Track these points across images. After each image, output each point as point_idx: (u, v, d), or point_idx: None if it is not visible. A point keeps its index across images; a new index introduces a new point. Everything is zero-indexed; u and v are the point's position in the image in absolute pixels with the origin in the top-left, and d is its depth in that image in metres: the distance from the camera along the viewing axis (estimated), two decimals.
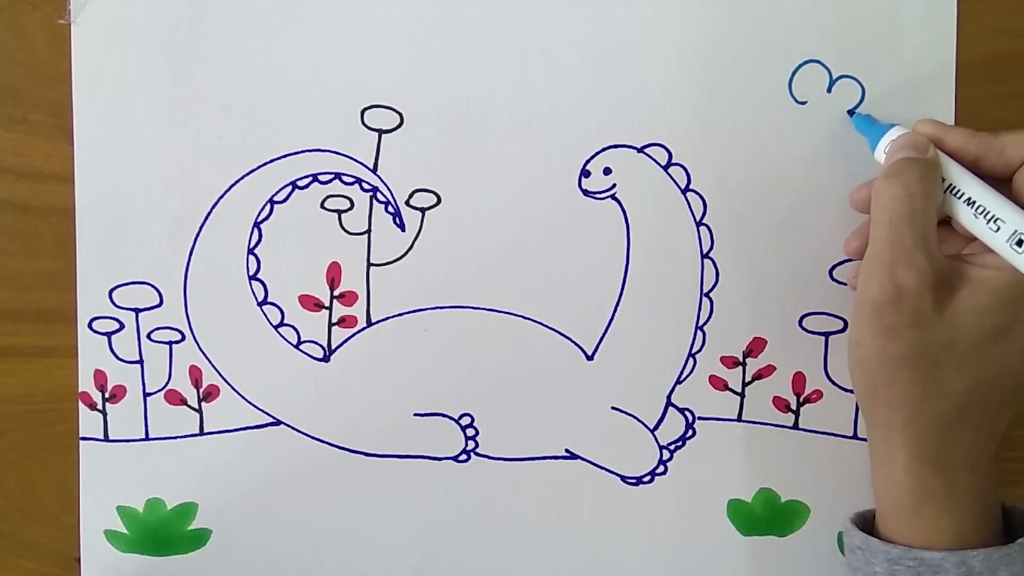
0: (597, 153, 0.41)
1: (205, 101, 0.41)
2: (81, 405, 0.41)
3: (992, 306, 0.34)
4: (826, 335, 0.42)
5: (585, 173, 0.41)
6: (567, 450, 0.42)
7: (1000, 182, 0.36)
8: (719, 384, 0.42)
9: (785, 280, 0.42)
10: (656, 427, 0.42)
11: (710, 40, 0.41)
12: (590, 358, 0.42)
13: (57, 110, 0.40)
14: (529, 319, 0.42)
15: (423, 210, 0.41)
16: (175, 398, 0.42)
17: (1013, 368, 0.35)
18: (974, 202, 0.35)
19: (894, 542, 0.36)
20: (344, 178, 0.41)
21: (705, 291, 0.42)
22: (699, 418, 0.42)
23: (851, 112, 0.40)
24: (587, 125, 0.41)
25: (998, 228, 0.34)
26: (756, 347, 0.42)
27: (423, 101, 0.41)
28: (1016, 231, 0.34)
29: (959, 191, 0.36)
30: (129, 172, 0.41)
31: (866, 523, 0.38)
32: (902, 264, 0.33)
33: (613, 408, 0.42)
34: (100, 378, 0.41)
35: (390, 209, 0.41)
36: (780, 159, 0.41)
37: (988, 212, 0.35)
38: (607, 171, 0.41)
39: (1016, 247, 0.34)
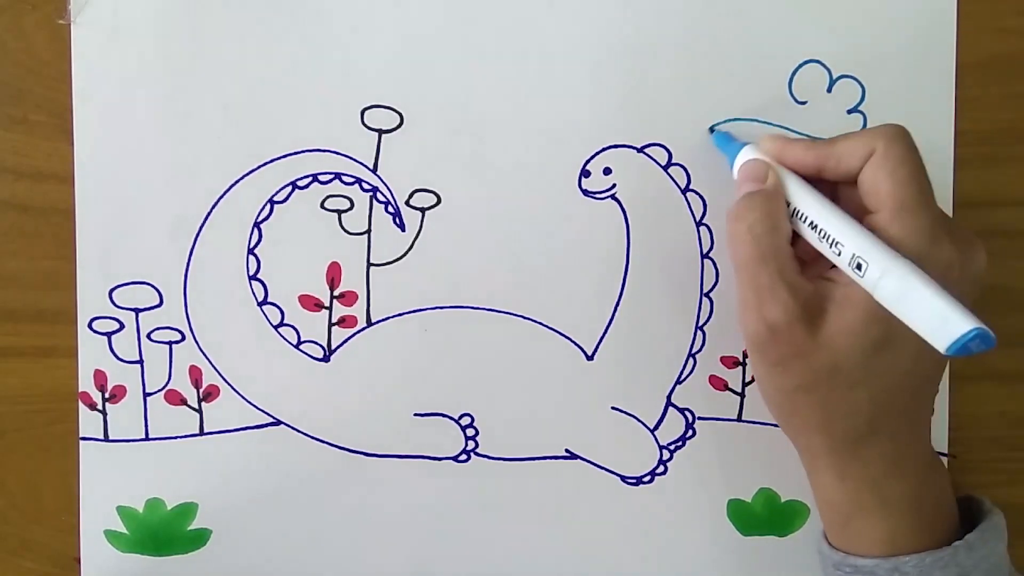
0: (597, 153, 0.41)
1: (205, 101, 0.41)
2: (81, 405, 0.41)
3: (864, 321, 0.33)
4: None
5: (585, 173, 0.41)
6: (567, 450, 0.42)
7: (850, 186, 0.35)
8: (719, 384, 0.42)
9: None
10: (656, 427, 0.42)
11: (710, 40, 0.41)
12: (590, 358, 0.42)
13: (57, 110, 0.40)
14: (529, 319, 0.42)
15: (423, 210, 0.41)
16: (175, 398, 0.42)
17: (907, 370, 0.34)
18: (815, 225, 0.34)
19: (837, 548, 0.37)
20: (344, 178, 0.41)
21: (705, 291, 0.42)
22: (699, 418, 0.42)
23: (711, 129, 0.40)
24: (587, 125, 0.41)
25: (839, 251, 0.33)
26: None
27: (423, 101, 0.41)
28: (854, 255, 0.33)
29: (802, 214, 0.35)
30: (129, 172, 0.41)
31: None
32: (767, 303, 0.34)
33: (613, 408, 0.42)
34: (100, 378, 0.41)
35: (390, 209, 0.41)
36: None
37: (828, 235, 0.34)
38: (607, 171, 0.41)
39: (856, 270, 0.33)
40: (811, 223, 0.35)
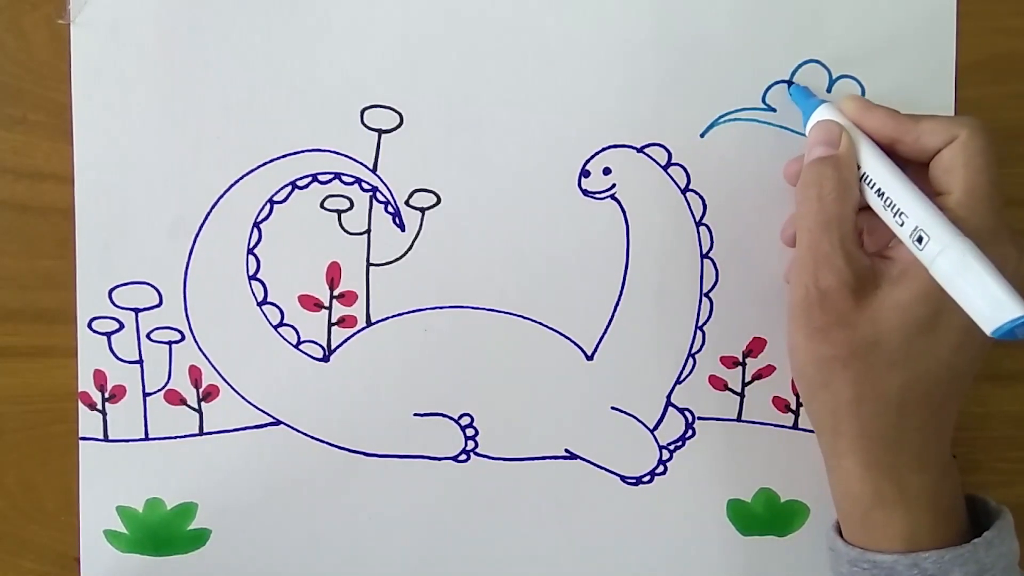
0: (597, 153, 0.41)
1: (205, 101, 0.41)
2: (81, 405, 0.41)
3: (913, 299, 0.34)
4: None
5: (585, 173, 0.41)
6: (567, 450, 0.42)
7: (919, 167, 0.36)
8: (719, 384, 0.42)
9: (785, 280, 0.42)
10: (656, 427, 0.42)
11: (710, 40, 0.41)
12: (590, 358, 0.42)
13: (57, 110, 0.40)
14: (529, 319, 0.42)
15: (423, 210, 0.41)
16: (175, 398, 0.41)
17: (945, 360, 0.34)
18: (883, 193, 0.35)
19: (854, 544, 0.36)
20: (344, 178, 0.41)
21: (705, 291, 0.42)
22: (699, 418, 0.42)
23: (789, 82, 0.40)
24: (587, 125, 0.41)
25: (902, 223, 0.34)
26: (756, 347, 0.42)
27: (423, 101, 0.41)
28: (917, 227, 0.33)
29: (871, 180, 0.35)
30: (129, 172, 0.41)
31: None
32: (823, 268, 0.34)
33: (613, 408, 0.42)
34: (100, 378, 0.41)
35: (390, 209, 0.41)
36: (780, 159, 0.41)
37: (894, 204, 0.34)
38: (607, 171, 0.41)
39: (917, 243, 0.33)
40: (879, 190, 0.35)
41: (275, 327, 0.41)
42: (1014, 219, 0.42)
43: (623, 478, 0.42)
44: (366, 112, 0.41)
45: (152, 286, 0.41)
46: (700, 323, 0.42)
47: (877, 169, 0.35)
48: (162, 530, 0.42)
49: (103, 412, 0.41)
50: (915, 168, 0.36)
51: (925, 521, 0.35)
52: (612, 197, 0.41)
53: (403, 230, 0.41)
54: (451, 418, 0.42)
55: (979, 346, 0.35)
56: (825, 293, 0.34)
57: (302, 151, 0.41)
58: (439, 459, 0.42)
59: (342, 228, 0.41)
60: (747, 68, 0.41)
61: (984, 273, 0.31)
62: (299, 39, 0.41)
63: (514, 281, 0.41)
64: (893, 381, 0.34)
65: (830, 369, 0.35)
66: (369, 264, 0.41)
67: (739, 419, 0.42)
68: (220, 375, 0.41)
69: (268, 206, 0.41)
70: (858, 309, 0.34)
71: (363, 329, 0.42)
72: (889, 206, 0.34)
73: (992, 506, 0.37)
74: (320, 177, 0.41)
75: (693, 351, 0.42)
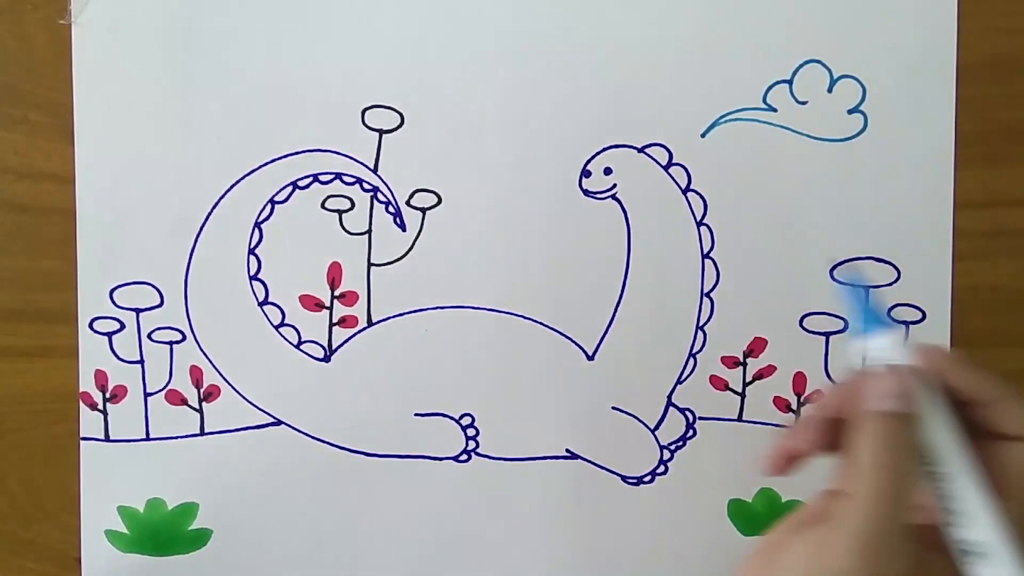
0: (597, 153, 0.41)
1: (205, 101, 0.41)
2: (82, 405, 0.41)
3: None
4: (827, 335, 0.42)
5: (585, 173, 0.41)
6: (567, 450, 0.42)
7: (988, 440, 0.29)
8: (720, 384, 0.42)
9: (785, 280, 0.42)
10: (657, 427, 0.42)
11: (711, 40, 0.41)
12: (590, 358, 0.42)
13: (58, 110, 0.40)
14: (529, 319, 0.42)
15: (423, 210, 0.41)
16: (176, 398, 0.42)
17: None
18: (941, 479, 0.27)
19: None
20: (345, 178, 0.41)
21: (705, 291, 0.42)
22: (700, 418, 0.42)
23: (832, 272, 0.33)
24: (587, 125, 0.41)
25: (954, 519, 0.27)
26: (757, 347, 0.42)
27: (423, 101, 0.41)
28: (979, 539, 0.26)
29: (930, 458, 0.28)
30: (129, 172, 0.41)
31: None
32: (883, 551, 0.26)
33: (613, 408, 0.42)
34: (101, 378, 0.41)
35: (391, 209, 0.41)
36: (781, 159, 0.41)
37: (953, 499, 0.27)
38: (607, 171, 0.41)
39: (964, 556, 0.27)
40: (936, 473, 0.28)
41: (276, 327, 0.41)
42: (1015, 219, 0.42)
43: (624, 478, 0.42)
44: (367, 112, 0.41)
45: (153, 286, 0.41)
46: (701, 323, 0.42)
47: (945, 448, 0.27)
48: (163, 530, 0.42)
49: (104, 412, 0.41)
50: (981, 443, 0.29)
51: None
52: (613, 197, 0.41)
53: (404, 230, 0.41)
54: (452, 418, 0.42)
55: None
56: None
57: (303, 151, 0.41)
58: (439, 459, 0.42)
59: (343, 228, 0.41)
60: (747, 68, 0.41)
61: None
62: (300, 39, 0.41)
63: (515, 281, 0.41)
64: None
65: None
66: (370, 264, 0.41)
67: (740, 419, 0.42)
68: (221, 375, 0.41)
69: (269, 206, 0.41)
70: None
71: (364, 329, 0.42)
72: (944, 497, 0.27)
73: None
74: (321, 177, 0.41)
75: (694, 351, 0.42)
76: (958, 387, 0.28)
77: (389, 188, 0.41)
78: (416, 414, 0.42)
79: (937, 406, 0.28)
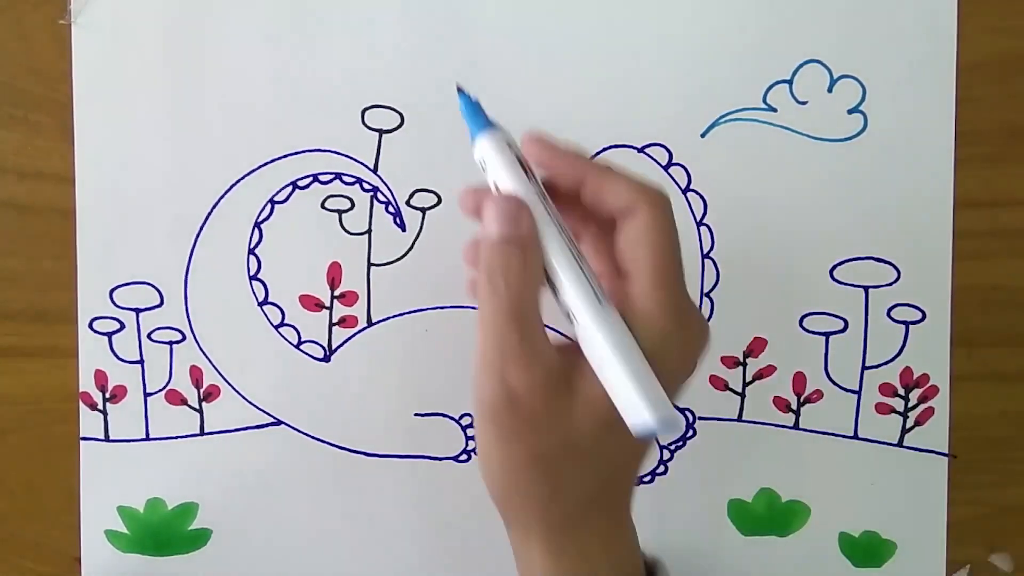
0: (598, 153, 0.41)
1: (206, 101, 0.41)
2: (82, 405, 0.41)
3: (603, 394, 0.30)
4: (826, 335, 0.42)
5: None
6: None
7: (604, 225, 0.32)
8: (719, 384, 0.42)
9: (785, 280, 0.42)
10: None
11: (711, 40, 0.41)
12: None
13: (58, 110, 0.40)
14: None
15: (423, 210, 0.41)
16: (176, 398, 0.42)
17: (638, 450, 0.32)
18: (549, 264, 0.31)
19: None
20: (345, 178, 0.41)
21: (705, 291, 0.42)
22: (700, 418, 0.42)
23: (459, 89, 0.34)
24: (587, 125, 0.41)
25: (557, 294, 0.30)
26: (756, 347, 0.42)
27: (423, 101, 0.41)
28: (568, 306, 0.30)
29: (548, 261, 0.31)
30: (129, 172, 0.41)
31: None
32: (511, 367, 0.30)
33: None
34: (101, 378, 0.41)
35: (390, 209, 0.41)
36: (781, 159, 0.41)
37: (558, 279, 0.30)
38: None
39: (569, 319, 0.30)
40: (550, 270, 0.31)
41: (276, 327, 0.41)
42: (1015, 219, 0.42)
43: None
44: (367, 112, 0.41)
45: (153, 286, 0.41)
46: None
47: (552, 246, 0.31)
48: (163, 530, 0.42)
49: (104, 412, 0.41)
50: (600, 222, 0.32)
51: None
52: None
53: (404, 230, 0.41)
54: (451, 418, 0.42)
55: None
56: (514, 393, 0.30)
57: (303, 151, 0.41)
58: (439, 459, 0.42)
59: (343, 228, 0.41)
60: (747, 68, 0.41)
61: (625, 369, 0.29)
62: (300, 40, 0.41)
63: None
64: (587, 478, 0.32)
65: (520, 472, 0.32)
66: (370, 264, 0.41)
67: (740, 419, 0.42)
68: (221, 375, 0.41)
69: (269, 206, 0.41)
70: (549, 410, 0.30)
71: (364, 329, 0.42)
72: (553, 285, 0.31)
73: (648, 558, 0.36)
74: (321, 177, 0.41)
75: None
76: (563, 175, 0.32)
77: (389, 188, 0.41)
78: (416, 414, 0.42)
79: (543, 220, 0.31)
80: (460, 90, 0.34)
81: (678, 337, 0.31)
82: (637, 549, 0.35)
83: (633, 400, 0.28)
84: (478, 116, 0.33)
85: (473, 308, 0.41)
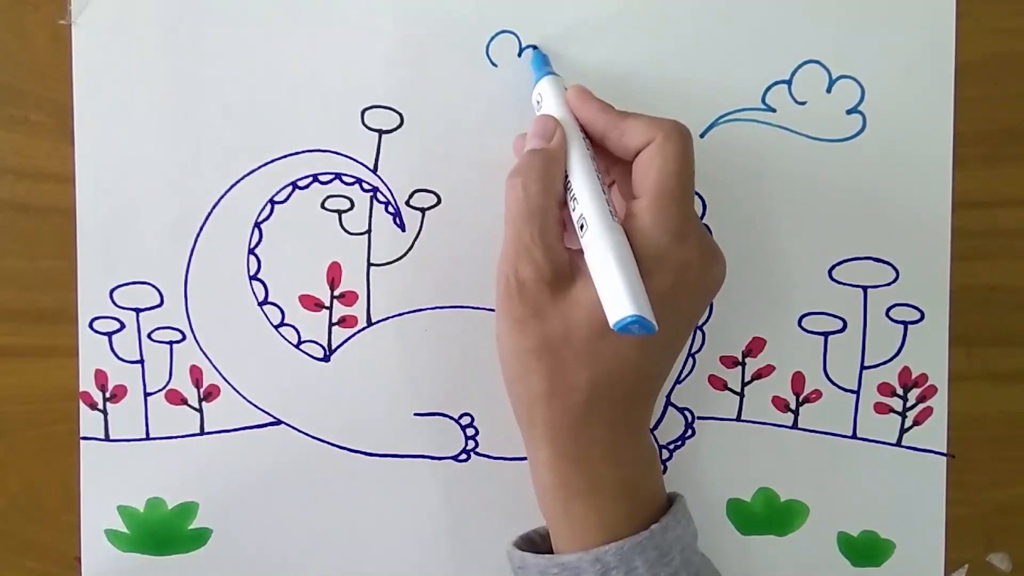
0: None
1: (205, 101, 0.41)
2: (82, 405, 0.41)
3: (599, 301, 0.33)
4: (825, 335, 0.42)
5: None
6: None
7: (625, 164, 0.36)
8: (718, 384, 0.42)
9: (785, 280, 0.42)
10: (656, 427, 0.42)
11: (710, 40, 0.41)
12: None
13: (58, 110, 0.40)
14: None
15: (423, 210, 0.41)
16: (176, 398, 0.42)
17: (631, 360, 0.35)
18: (569, 184, 0.35)
19: (563, 551, 0.36)
20: (344, 178, 0.41)
21: None
22: (698, 417, 0.42)
23: (533, 46, 0.40)
24: None
25: (574, 209, 0.35)
26: (755, 347, 0.42)
27: (423, 101, 0.41)
28: (581, 215, 0.34)
29: (568, 181, 0.35)
30: (129, 172, 0.41)
31: (532, 544, 0.38)
32: (523, 260, 0.34)
33: None
34: (101, 378, 0.41)
35: (390, 209, 0.41)
36: (781, 159, 0.41)
37: (573, 194, 0.35)
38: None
39: (580, 231, 0.34)
40: (568, 182, 0.35)
41: (276, 327, 0.41)
42: (1015, 219, 0.42)
43: None
44: (366, 112, 0.41)
45: (153, 286, 0.41)
46: (700, 323, 0.42)
47: (574, 162, 0.36)
48: (163, 529, 0.42)
49: (104, 412, 0.41)
50: (627, 166, 0.36)
51: (621, 512, 0.35)
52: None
53: (403, 230, 0.41)
54: (451, 418, 0.42)
55: (662, 347, 0.36)
56: (523, 284, 0.34)
57: (303, 151, 0.41)
58: (439, 459, 0.42)
59: (343, 228, 0.41)
60: (747, 68, 0.41)
61: (615, 268, 0.32)
62: (299, 39, 0.41)
63: None
64: (581, 376, 0.34)
65: (526, 361, 0.35)
66: (370, 264, 0.41)
67: (739, 419, 0.43)
68: (221, 375, 0.42)
69: (269, 206, 0.41)
70: (552, 303, 0.34)
71: (363, 329, 0.42)
72: (571, 197, 0.35)
73: (671, 495, 0.38)
74: (321, 177, 0.41)
75: (693, 351, 0.42)
76: (592, 121, 0.37)
77: (389, 188, 0.41)
78: (416, 414, 0.42)
79: (575, 138, 0.36)
80: (534, 46, 0.40)
81: (676, 252, 0.34)
82: (650, 472, 0.37)
83: (612, 294, 0.31)
84: (544, 64, 0.40)
85: (473, 308, 0.42)
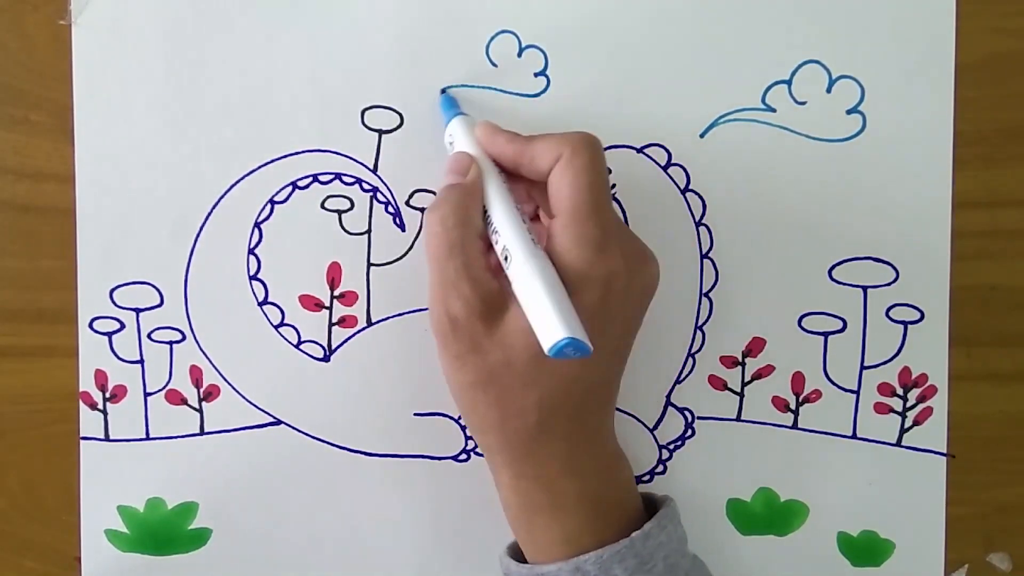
0: None
1: (205, 101, 0.41)
2: (82, 405, 0.41)
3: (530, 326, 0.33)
4: (825, 335, 0.42)
5: None
6: None
7: (544, 186, 0.36)
8: (718, 384, 0.42)
9: (785, 280, 0.42)
10: (655, 427, 0.42)
11: (710, 40, 0.41)
12: None
13: (58, 110, 0.40)
14: None
15: (423, 210, 0.41)
16: (176, 398, 0.42)
17: (577, 375, 0.34)
18: (487, 215, 0.35)
19: (527, 561, 0.37)
20: (344, 178, 0.41)
21: (705, 291, 0.42)
22: (698, 418, 0.42)
23: (443, 90, 0.40)
24: (585, 125, 0.41)
25: (496, 242, 0.34)
26: (755, 347, 0.42)
27: (423, 101, 0.41)
28: (504, 246, 0.34)
29: (488, 215, 0.35)
30: (129, 172, 0.41)
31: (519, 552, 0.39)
32: (451, 296, 0.34)
33: None
34: (101, 378, 0.41)
35: (390, 209, 0.41)
36: (780, 159, 0.41)
37: (492, 225, 0.35)
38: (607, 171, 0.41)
39: (505, 262, 0.34)
40: (486, 214, 0.35)
41: (276, 327, 0.41)
42: (1015, 219, 0.42)
43: None
44: (366, 112, 0.41)
45: (153, 286, 0.41)
46: (700, 323, 0.42)
47: (491, 195, 0.36)
48: (163, 529, 0.42)
49: (104, 412, 0.41)
50: (546, 188, 0.36)
51: (584, 524, 0.35)
52: (612, 197, 0.41)
53: (403, 230, 0.41)
54: (451, 418, 0.42)
55: (608, 356, 0.36)
56: (456, 321, 0.34)
57: (303, 151, 0.41)
58: (439, 459, 0.42)
59: (343, 228, 0.41)
60: (747, 68, 0.41)
61: (542, 293, 0.31)
62: (299, 39, 0.41)
63: None
64: (529, 399, 0.34)
65: (472, 395, 0.35)
66: (369, 264, 0.41)
67: (739, 419, 0.43)
68: (221, 375, 0.42)
69: (269, 206, 0.41)
70: (488, 335, 0.34)
71: (363, 329, 0.42)
72: (492, 231, 0.35)
73: (658, 497, 0.38)
74: (321, 177, 0.41)
75: (693, 351, 0.42)
76: (502, 153, 0.37)
77: (389, 188, 0.41)
78: (415, 414, 0.42)
79: (489, 171, 0.36)
80: (443, 90, 0.40)
81: (599, 265, 0.33)
82: (614, 479, 0.37)
83: (542, 320, 0.31)
84: (453, 106, 0.40)
85: None
